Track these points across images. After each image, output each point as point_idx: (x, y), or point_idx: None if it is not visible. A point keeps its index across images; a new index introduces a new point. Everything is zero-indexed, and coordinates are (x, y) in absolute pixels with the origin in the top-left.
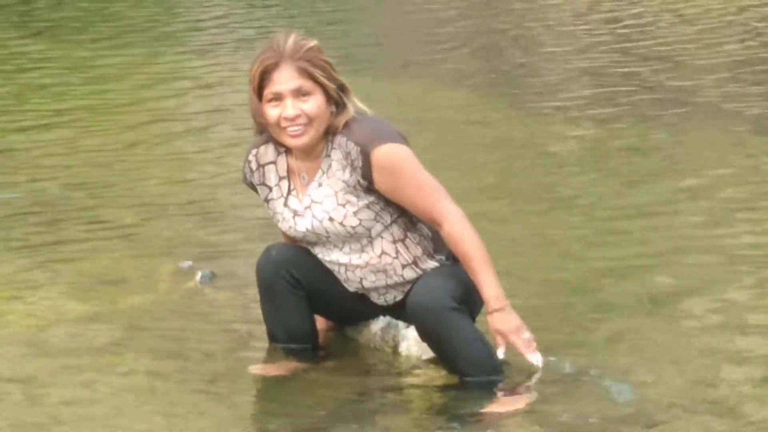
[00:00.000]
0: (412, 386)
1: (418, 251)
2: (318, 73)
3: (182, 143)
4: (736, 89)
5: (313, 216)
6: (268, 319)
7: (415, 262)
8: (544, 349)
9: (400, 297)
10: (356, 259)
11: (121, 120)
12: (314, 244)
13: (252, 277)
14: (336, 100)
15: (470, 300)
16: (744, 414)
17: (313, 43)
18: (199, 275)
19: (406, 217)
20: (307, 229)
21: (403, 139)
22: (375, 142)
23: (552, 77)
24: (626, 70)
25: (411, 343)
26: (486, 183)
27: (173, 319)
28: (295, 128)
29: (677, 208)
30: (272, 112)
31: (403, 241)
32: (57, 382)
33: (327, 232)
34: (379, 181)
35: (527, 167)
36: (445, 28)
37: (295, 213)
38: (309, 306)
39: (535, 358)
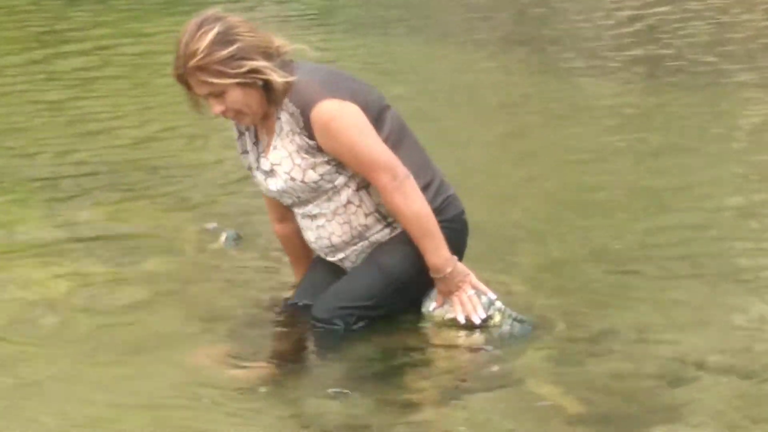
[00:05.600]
0: (435, 346)
1: (379, 199)
2: (215, 80)
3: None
4: None
5: (278, 177)
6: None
7: (377, 210)
8: (565, 305)
9: None
10: (325, 208)
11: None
12: (291, 204)
13: (276, 239)
14: (257, 81)
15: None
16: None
17: (207, 40)
18: (224, 236)
19: None
20: (277, 190)
21: (356, 95)
22: (314, 101)
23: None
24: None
25: (434, 303)
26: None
27: (197, 280)
28: (230, 116)
29: (716, 173)
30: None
31: (366, 188)
32: (83, 342)
33: (293, 190)
34: (321, 141)
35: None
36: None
37: (267, 174)
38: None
39: (470, 317)
